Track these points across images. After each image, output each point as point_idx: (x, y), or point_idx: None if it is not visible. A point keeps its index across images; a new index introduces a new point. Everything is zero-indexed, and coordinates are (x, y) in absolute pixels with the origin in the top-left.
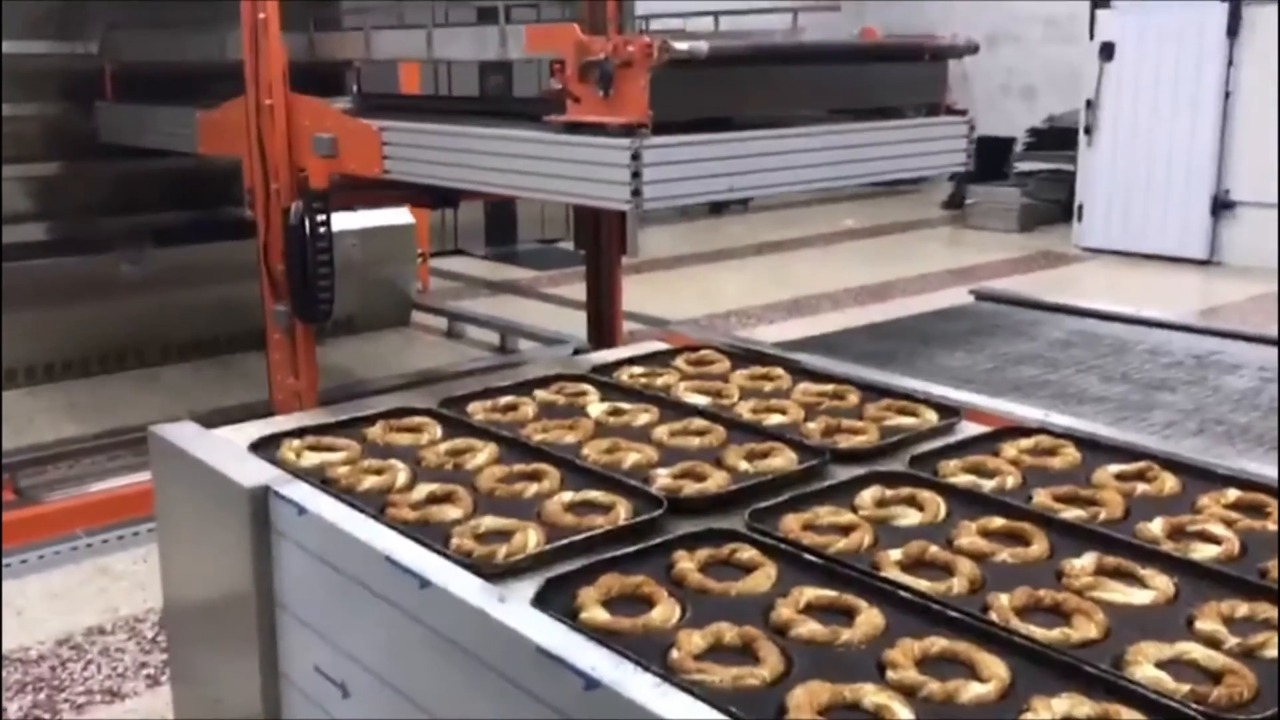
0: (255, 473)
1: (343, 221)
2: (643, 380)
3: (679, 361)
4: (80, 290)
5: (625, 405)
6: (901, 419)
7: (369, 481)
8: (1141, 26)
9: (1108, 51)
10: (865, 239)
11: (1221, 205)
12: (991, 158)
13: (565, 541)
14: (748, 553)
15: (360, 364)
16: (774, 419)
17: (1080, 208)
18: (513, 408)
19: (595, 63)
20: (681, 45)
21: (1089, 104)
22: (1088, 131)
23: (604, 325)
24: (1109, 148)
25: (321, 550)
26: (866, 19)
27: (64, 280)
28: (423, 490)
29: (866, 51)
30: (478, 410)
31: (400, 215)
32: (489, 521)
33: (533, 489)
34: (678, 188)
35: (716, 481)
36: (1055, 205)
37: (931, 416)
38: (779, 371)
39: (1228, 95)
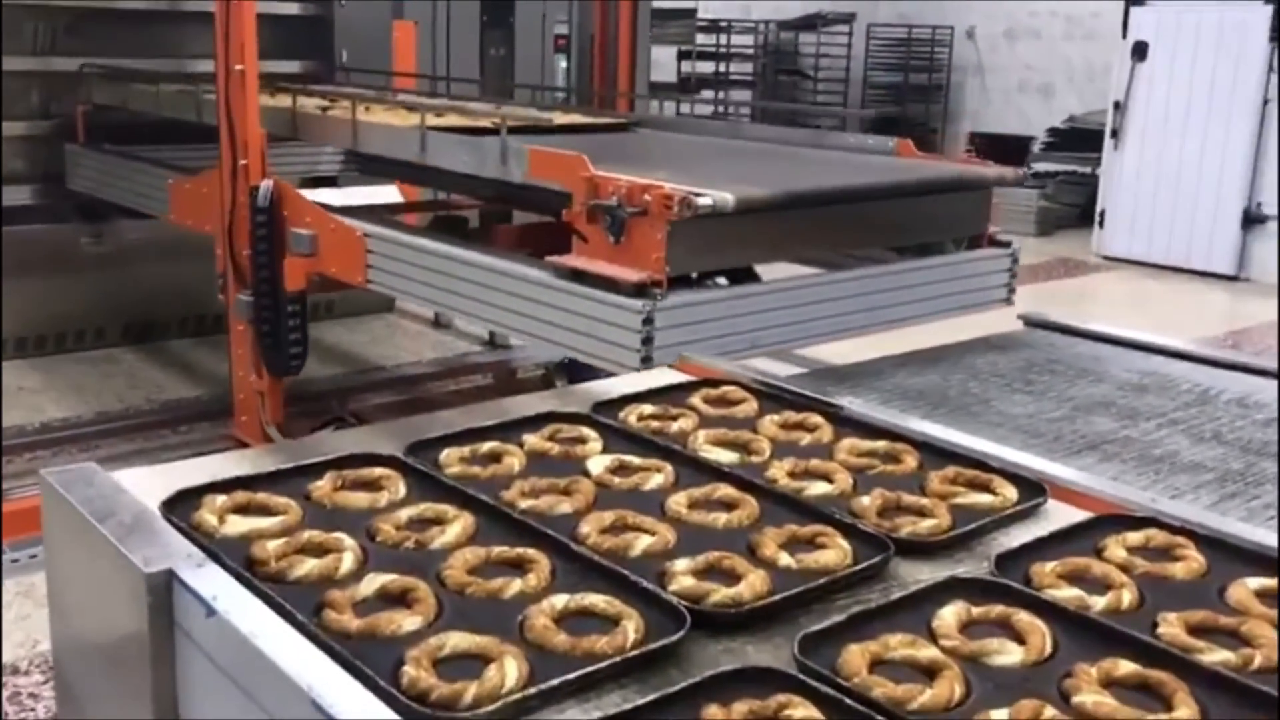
0: (160, 549)
1: (327, 196)
2: (654, 424)
3: (696, 399)
4: (36, 262)
5: (633, 459)
6: (974, 496)
7: (305, 567)
8: (1178, 26)
9: (1140, 51)
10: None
11: (1253, 219)
12: (1007, 157)
13: (557, 681)
14: (802, 710)
15: (335, 355)
16: (818, 488)
17: (1103, 214)
18: (495, 458)
19: (606, 207)
20: (705, 199)
21: (1117, 105)
22: (1114, 134)
23: None
24: (1136, 152)
25: (233, 668)
26: (881, 14)
27: (19, 250)
28: (373, 583)
29: (905, 189)
30: (452, 460)
31: (389, 193)
32: (455, 640)
33: (515, 587)
34: (693, 348)
35: (752, 584)
36: (1073, 210)
37: (1010, 493)
38: (817, 419)
39: (1266, 103)
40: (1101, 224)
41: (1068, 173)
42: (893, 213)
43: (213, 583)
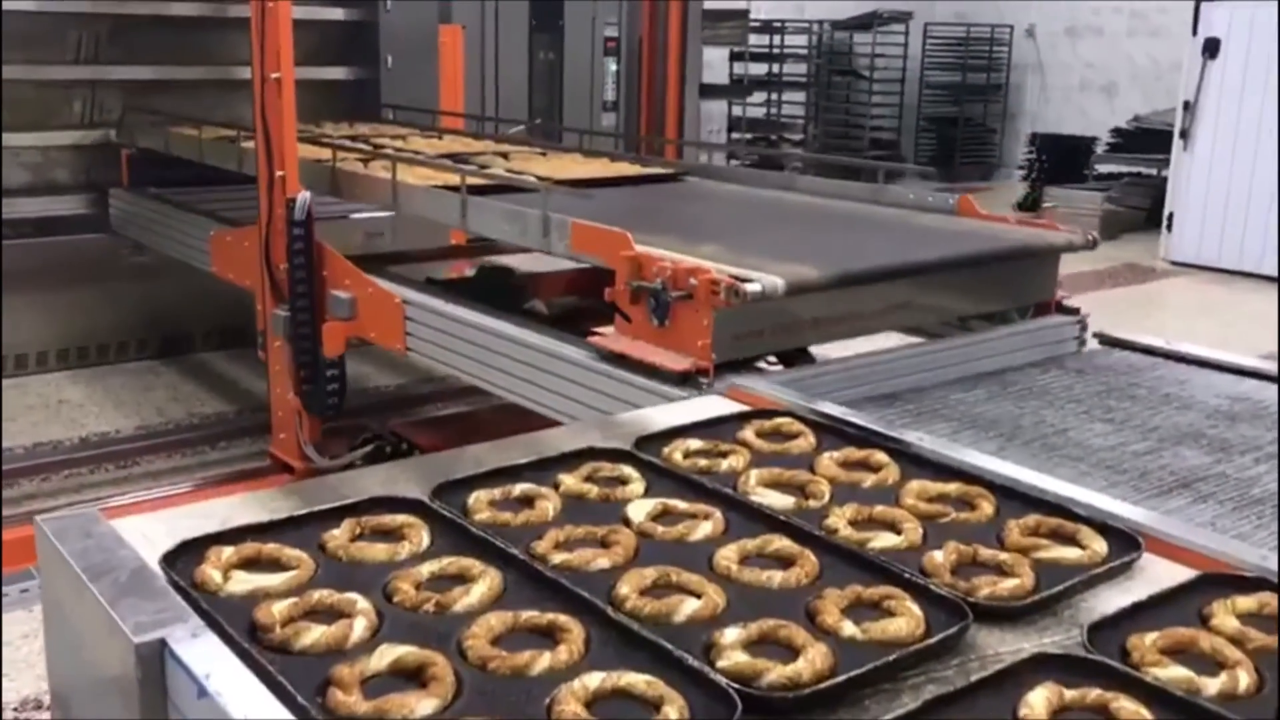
0: (154, 614)
1: None
2: (702, 463)
3: (748, 432)
4: (77, 273)
5: (679, 504)
6: (1059, 549)
7: (311, 636)
8: (1252, 22)
9: (1212, 49)
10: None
11: None
12: (1068, 158)
13: None
14: None
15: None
16: (884, 540)
17: (1171, 217)
18: (528, 502)
19: (650, 289)
20: (754, 285)
21: (1187, 105)
22: (1184, 135)
23: None
24: (1207, 154)
25: None
26: (938, 12)
27: (58, 262)
28: (386, 655)
29: (967, 261)
30: (481, 505)
31: None
32: None
33: (543, 662)
34: None
35: (812, 662)
36: (1139, 213)
37: (1099, 547)
38: (881, 457)
39: None
40: (1169, 228)
41: (1133, 174)
42: (955, 284)
43: (207, 656)
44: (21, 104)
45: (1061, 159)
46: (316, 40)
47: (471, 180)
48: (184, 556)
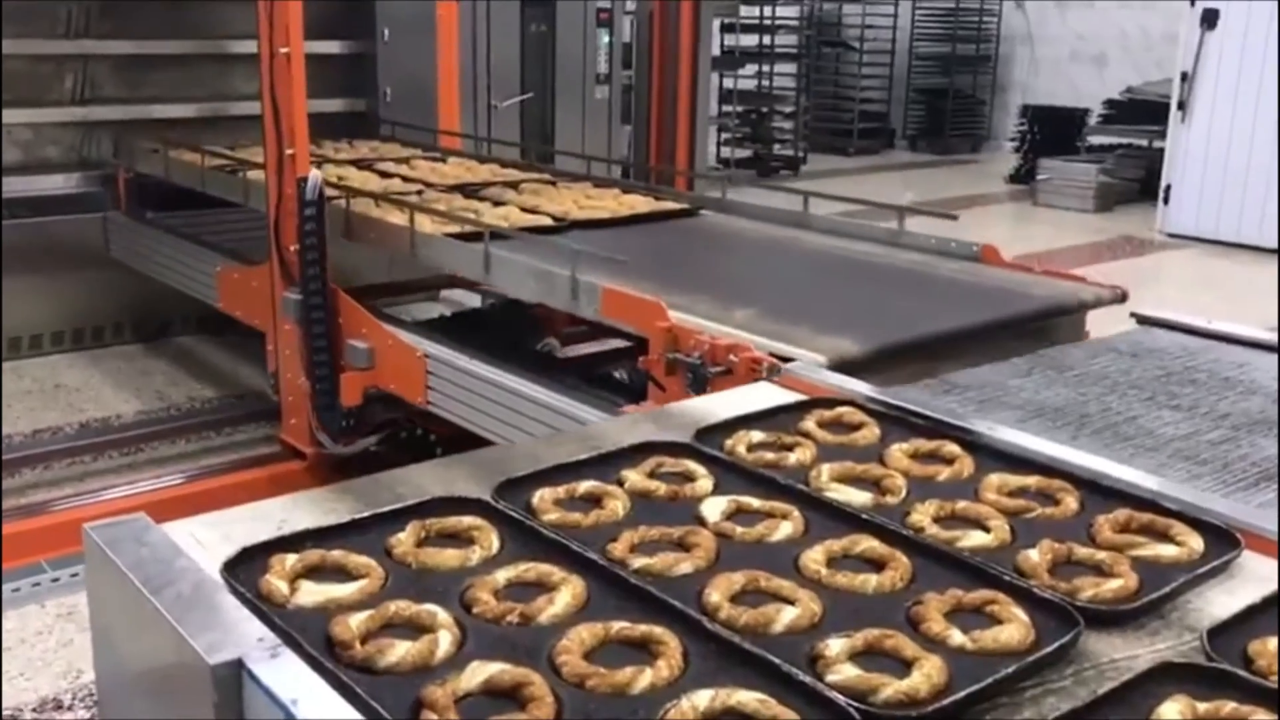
0: (226, 631)
1: None
2: (768, 456)
3: (810, 422)
4: (73, 254)
5: (752, 501)
6: (1156, 546)
7: (397, 653)
8: None
9: (1210, 19)
10: (928, 218)
11: None
12: (1060, 130)
13: None
14: None
15: None
16: (973, 538)
17: (1168, 189)
18: (595, 500)
19: (688, 364)
20: (795, 364)
21: (1184, 76)
22: (1181, 106)
23: None
24: (1205, 125)
25: None
26: None
27: (52, 242)
28: (478, 674)
29: (1004, 325)
30: (547, 504)
31: None
32: None
33: (645, 679)
34: None
35: (929, 675)
36: (1133, 185)
37: (1195, 543)
38: (954, 449)
39: None
40: (1166, 200)
41: (1127, 146)
42: (986, 344)
43: (291, 677)
44: (12, 79)
45: (1053, 131)
46: (309, 15)
47: (490, 216)
48: (244, 565)
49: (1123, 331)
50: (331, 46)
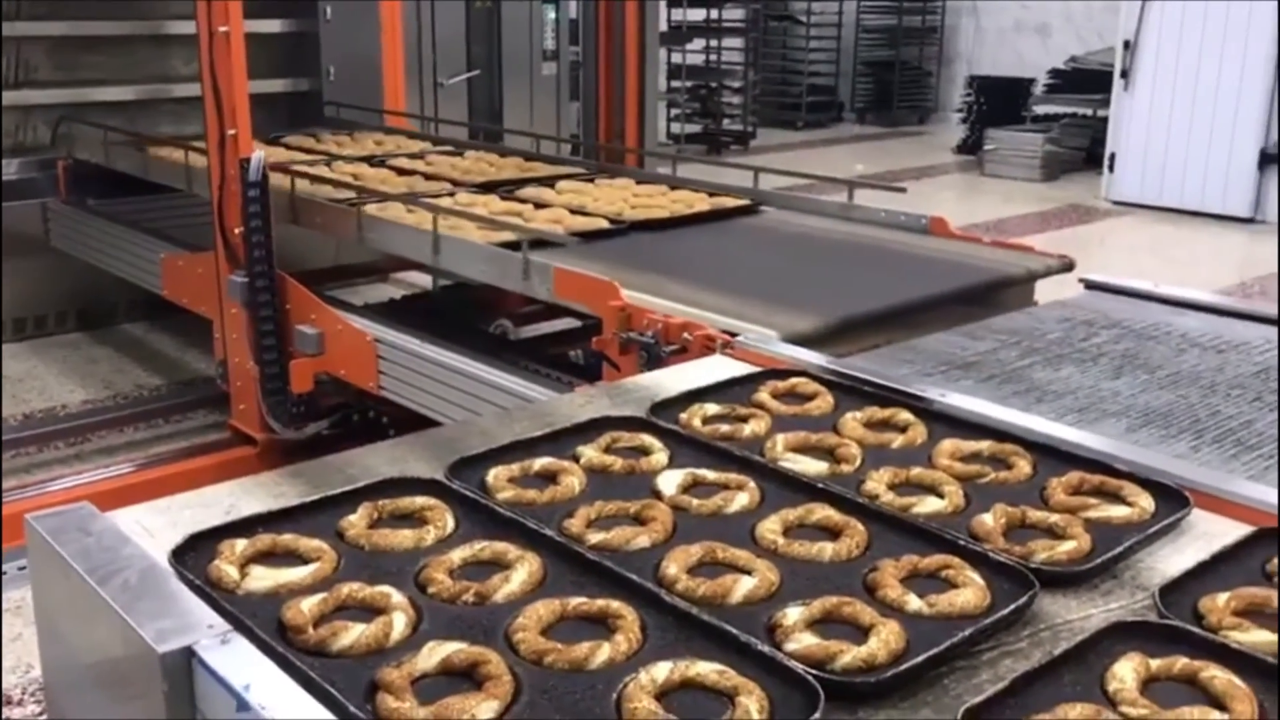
0: (176, 619)
1: None
2: (723, 429)
3: (764, 393)
4: (13, 242)
5: (708, 474)
6: (1108, 508)
7: (351, 636)
8: None
9: None
10: (879, 191)
11: (1269, 158)
12: (1006, 100)
13: None
14: None
15: None
16: (928, 504)
17: (1112, 157)
18: (550, 477)
19: (642, 343)
20: (751, 337)
21: (1126, 45)
22: (1124, 75)
23: None
24: (1148, 93)
25: None
26: None
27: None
28: (434, 654)
29: (955, 297)
30: (502, 482)
31: None
32: None
33: (603, 653)
34: None
35: (886, 641)
36: (1078, 153)
37: (1146, 503)
38: (906, 416)
39: None
40: (1111, 168)
41: (1071, 115)
42: (937, 314)
43: (243, 663)
44: None
45: (1000, 101)
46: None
47: (461, 223)
48: (193, 552)
49: (1070, 297)
50: (272, 25)
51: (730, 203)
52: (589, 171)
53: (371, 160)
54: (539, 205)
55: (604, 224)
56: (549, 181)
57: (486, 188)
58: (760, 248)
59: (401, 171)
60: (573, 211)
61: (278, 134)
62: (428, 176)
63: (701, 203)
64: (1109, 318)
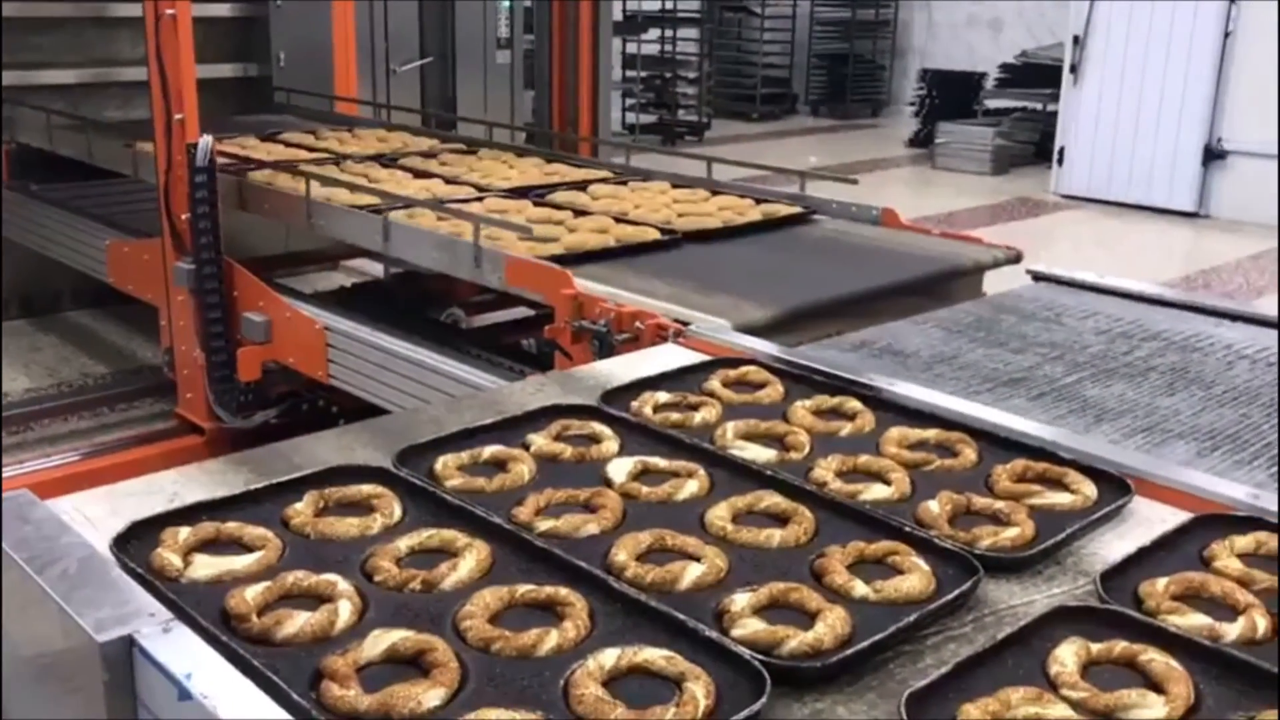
0: (116, 608)
1: None
2: (674, 417)
3: (714, 382)
4: None
5: (658, 461)
6: (1051, 495)
7: (295, 624)
8: None
9: None
10: (831, 182)
11: (1213, 154)
12: (958, 94)
13: None
14: None
15: None
16: (875, 491)
17: (1061, 151)
18: (500, 465)
19: (594, 331)
20: (703, 326)
21: (1076, 40)
22: (1073, 70)
23: None
24: (1095, 88)
25: None
26: None
27: None
28: (380, 642)
29: (904, 288)
30: (451, 470)
31: None
32: None
33: (551, 640)
34: None
35: (832, 626)
36: (1028, 147)
37: (1089, 490)
38: (855, 404)
39: (1228, 35)
40: (1060, 161)
41: (1022, 109)
42: (888, 304)
43: (185, 652)
44: None
45: (951, 95)
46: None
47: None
48: (135, 540)
49: (1018, 288)
50: (221, 9)
51: (785, 211)
52: (619, 174)
53: (382, 159)
54: (578, 212)
55: (654, 234)
56: (580, 185)
57: (515, 193)
58: (714, 237)
59: (417, 173)
60: (618, 220)
61: (273, 130)
62: (447, 180)
63: (752, 211)
64: (1052, 309)
